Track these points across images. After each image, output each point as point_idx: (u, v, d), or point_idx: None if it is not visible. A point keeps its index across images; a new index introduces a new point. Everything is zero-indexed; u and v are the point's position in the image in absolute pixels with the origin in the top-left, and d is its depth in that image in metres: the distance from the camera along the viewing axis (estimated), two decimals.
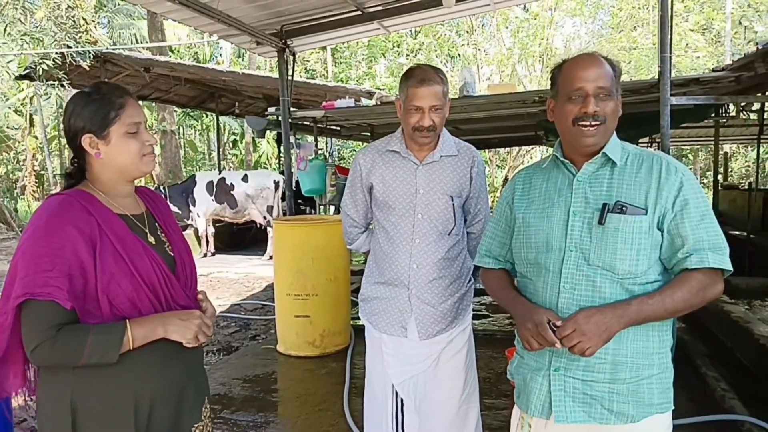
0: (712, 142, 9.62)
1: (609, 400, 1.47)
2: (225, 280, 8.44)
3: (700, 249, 1.42)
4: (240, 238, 11.61)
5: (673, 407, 1.53)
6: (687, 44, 14.24)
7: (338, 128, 8.13)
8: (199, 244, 10.41)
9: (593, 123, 1.48)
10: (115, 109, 1.46)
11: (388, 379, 2.29)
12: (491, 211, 2.22)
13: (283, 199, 9.29)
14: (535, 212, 1.61)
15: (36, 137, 20.45)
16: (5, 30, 11.12)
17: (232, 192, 10.11)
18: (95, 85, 1.52)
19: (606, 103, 1.49)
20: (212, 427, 1.72)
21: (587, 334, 1.37)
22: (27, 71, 9.55)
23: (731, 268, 1.44)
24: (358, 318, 2.56)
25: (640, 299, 1.42)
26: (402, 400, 2.28)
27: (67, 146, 1.61)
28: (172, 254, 1.59)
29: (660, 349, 1.50)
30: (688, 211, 1.44)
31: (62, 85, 9.30)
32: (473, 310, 2.43)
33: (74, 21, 10.63)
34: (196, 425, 1.60)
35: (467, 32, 16.36)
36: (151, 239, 1.55)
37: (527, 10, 15.74)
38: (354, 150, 18.32)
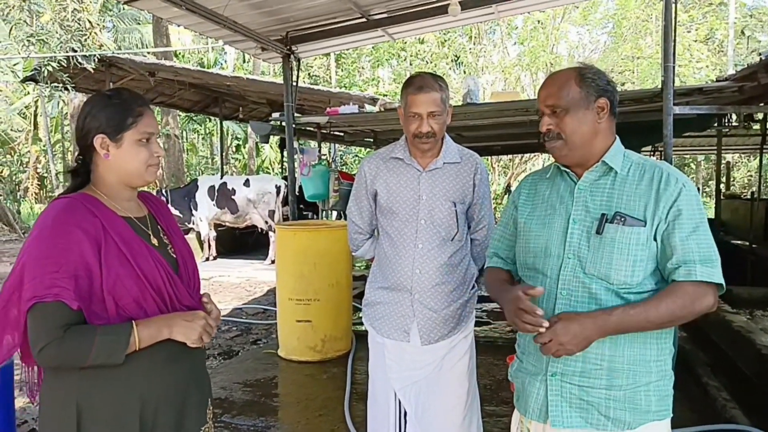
0: (715, 152, 9.61)
1: (606, 407, 1.47)
2: (227, 284, 8.45)
3: (689, 261, 1.41)
4: (242, 242, 11.62)
5: (671, 415, 1.52)
6: (691, 54, 14.26)
7: (341, 134, 8.15)
8: (202, 248, 10.42)
9: None
10: (134, 116, 1.49)
11: (390, 384, 2.30)
12: (495, 218, 2.23)
13: (285, 203, 9.30)
14: (537, 218, 1.62)
15: (40, 140, 20.50)
16: (10, 32, 11.18)
17: (233, 197, 10.12)
18: (117, 90, 1.56)
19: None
20: (215, 429, 1.73)
21: (564, 344, 1.39)
22: (32, 73, 9.59)
23: (721, 281, 1.42)
24: (360, 323, 2.57)
25: (622, 309, 1.41)
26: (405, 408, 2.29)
27: (70, 148, 1.63)
28: (174, 256, 1.61)
29: (658, 357, 1.50)
30: (680, 222, 1.43)
31: (66, 88, 9.32)
32: (474, 317, 2.43)
33: (80, 24, 10.66)
34: (203, 428, 1.61)
35: (471, 39, 16.38)
36: (154, 241, 1.56)
37: (535, 20, 15.74)
38: (357, 156, 18.33)
